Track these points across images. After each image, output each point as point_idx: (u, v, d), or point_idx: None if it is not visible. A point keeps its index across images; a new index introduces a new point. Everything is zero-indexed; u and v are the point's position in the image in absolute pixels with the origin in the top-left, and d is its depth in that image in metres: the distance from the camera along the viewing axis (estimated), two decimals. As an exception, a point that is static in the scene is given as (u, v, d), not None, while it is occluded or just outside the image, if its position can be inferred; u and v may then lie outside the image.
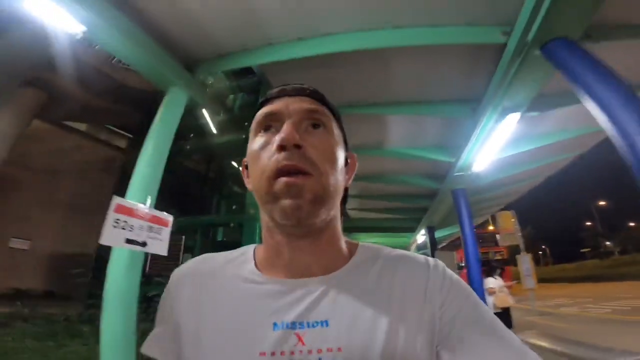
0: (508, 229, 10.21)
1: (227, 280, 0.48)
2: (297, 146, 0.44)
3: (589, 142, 4.65)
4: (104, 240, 1.68)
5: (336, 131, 0.52)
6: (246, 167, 0.53)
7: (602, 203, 47.49)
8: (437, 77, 3.25)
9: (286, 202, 0.42)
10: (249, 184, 0.52)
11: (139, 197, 2.10)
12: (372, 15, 2.58)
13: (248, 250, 0.54)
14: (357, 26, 2.68)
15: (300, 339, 0.40)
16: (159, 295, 0.56)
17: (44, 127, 8.03)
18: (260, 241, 0.54)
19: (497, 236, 12.45)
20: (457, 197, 5.05)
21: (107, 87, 6.58)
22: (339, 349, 0.39)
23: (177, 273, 0.53)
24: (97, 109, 7.28)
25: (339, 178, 0.48)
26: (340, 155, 0.50)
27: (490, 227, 17.09)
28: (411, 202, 6.84)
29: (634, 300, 9.46)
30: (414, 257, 0.50)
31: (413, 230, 10.07)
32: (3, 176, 7.03)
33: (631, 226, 39.78)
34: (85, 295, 6.73)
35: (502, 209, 10.15)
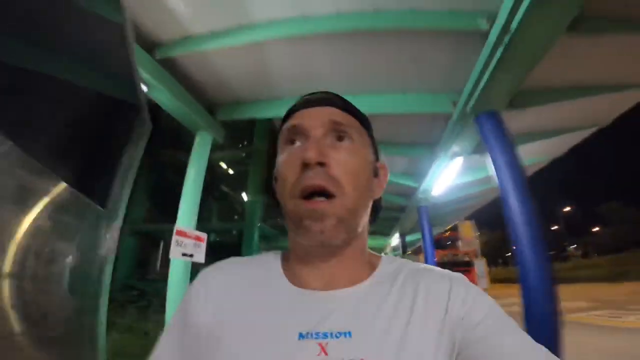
0: (468, 237, 11.49)
1: (255, 286, 0.48)
2: (321, 163, 0.44)
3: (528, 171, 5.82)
4: (172, 254, 2.54)
5: (364, 142, 0.51)
6: (276, 179, 0.52)
7: (567, 209, 50.12)
8: (406, 127, 4.20)
9: (310, 224, 0.43)
10: (277, 196, 0.51)
11: (186, 221, 2.96)
12: (357, 82, 3.48)
13: (276, 256, 0.54)
14: (346, 91, 3.58)
15: (323, 348, 0.40)
16: None
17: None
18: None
19: (459, 242, 13.84)
20: (420, 212, 6.10)
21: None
22: None
23: (204, 273, 0.52)
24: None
25: (365, 194, 0.48)
26: (368, 169, 0.49)
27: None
28: (386, 213, 7.87)
29: (574, 302, 10.33)
30: (436, 270, 0.50)
31: (388, 235, 11.20)
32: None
33: (594, 231, 42.14)
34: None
35: (469, 217, 11.41)
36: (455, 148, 3.93)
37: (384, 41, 2.87)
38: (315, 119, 0.48)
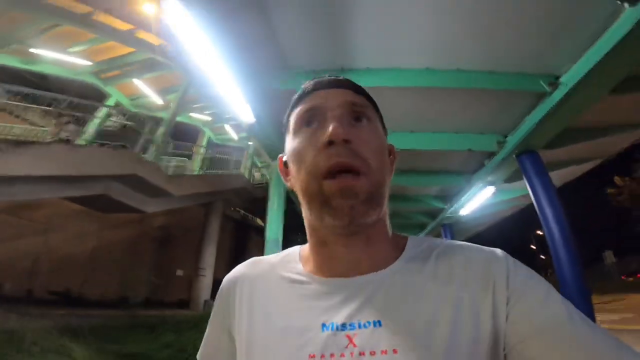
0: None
1: (275, 283, 0.49)
2: (346, 141, 0.43)
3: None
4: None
5: (379, 123, 0.51)
6: (285, 164, 0.53)
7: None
8: (447, 159, 5.20)
9: (339, 202, 0.42)
10: (288, 181, 0.52)
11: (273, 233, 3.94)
12: (415, 122, 4.15)
13: (294, 251, 0.54)
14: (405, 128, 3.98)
15: (351, 340, 0.39)
16: None
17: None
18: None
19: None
20: (445, 229, 7.17)
21: (247, 195, 14.29)
22: (394, 351, 0.37)
23: (228, 278, 0.54)
24: (239, 205, 16.08)
25: (386, 172, 0.47)
26: (385, 149, 0.49)
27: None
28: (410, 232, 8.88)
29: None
30: (474, 247, 0.47)
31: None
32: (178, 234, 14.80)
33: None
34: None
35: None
36: (491, 178, 5.00)
37: (443, 92, 3.35)
38: (332, 100, 0.48)
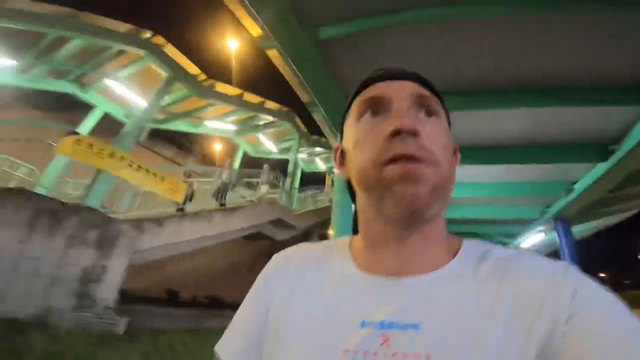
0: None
1: (322, 272, 0.47)
2: (414, 133, 0.40)
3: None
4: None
5: (445, 120, 0.47)
6: (341, 153, 0.51)
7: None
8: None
9: (402, 189, 0.38)
10: (344, 171, 0.50)
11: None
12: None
13: (345, 241, 0.51)
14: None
15: (386, 340, 0.37)
16: None
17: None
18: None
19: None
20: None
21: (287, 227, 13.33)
22: (428, 356, 0.35)
23: (276, 258, 0.53)
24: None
25: (452, 170, 0.44)
26: (451, 147, 0.46)
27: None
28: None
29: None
30: (535, 258, 0.42)
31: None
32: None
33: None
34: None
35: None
36: (541, 228, 7.29)
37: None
38: (399, 91, 0.45)
